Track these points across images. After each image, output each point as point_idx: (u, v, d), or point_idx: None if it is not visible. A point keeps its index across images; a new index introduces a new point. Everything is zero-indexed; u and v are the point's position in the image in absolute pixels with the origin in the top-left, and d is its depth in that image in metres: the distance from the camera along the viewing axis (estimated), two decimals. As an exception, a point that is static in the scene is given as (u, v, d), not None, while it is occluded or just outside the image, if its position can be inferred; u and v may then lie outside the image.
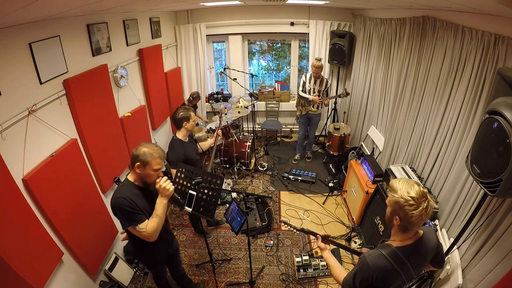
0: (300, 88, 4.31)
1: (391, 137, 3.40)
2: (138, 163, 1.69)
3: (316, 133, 5.58)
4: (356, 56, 4.59)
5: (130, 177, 1.79)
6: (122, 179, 2.92)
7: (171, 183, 1.76)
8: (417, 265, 1.34)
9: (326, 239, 1.70)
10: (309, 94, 4.24)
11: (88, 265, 2.42)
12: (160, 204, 1.75)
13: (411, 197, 1.20)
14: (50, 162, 2.03)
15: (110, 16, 2.84)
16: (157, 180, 1.73)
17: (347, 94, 4.33)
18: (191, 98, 4.40)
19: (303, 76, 4.29)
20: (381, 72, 3.72)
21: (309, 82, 4.22)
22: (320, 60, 4.03)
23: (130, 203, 1.64)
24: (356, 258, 1.93)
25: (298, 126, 4.93)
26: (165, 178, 1.75)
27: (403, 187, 1.24)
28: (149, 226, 1.70)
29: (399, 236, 1.33)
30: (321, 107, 4.40)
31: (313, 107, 4.31)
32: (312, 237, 2.35)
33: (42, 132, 2.02)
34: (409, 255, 1.30)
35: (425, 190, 1.24)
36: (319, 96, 4.20)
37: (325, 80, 4.19)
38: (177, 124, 2.62)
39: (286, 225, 1.81)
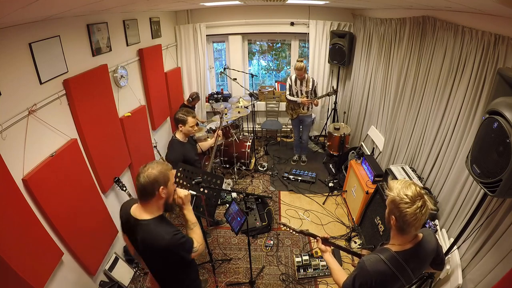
0: (287, 92, 4.27)
1: (391, 137, 3.40)
2: (162, 187, 1.47)
3: (316, 133, 5.59)
4: (356, 56, 4.59)
5: (153, 212, 1.51)
6: (122, 179, 2.93)
7: (182, 189, 1.67)
8: (417, 269, 1.34)
9: (326, 241, 1.70)
10: (297, 96, 4.21)
11: (88, 265, 2.42)
12: (188, 212, 1.67)
13: (406, 195, 1.20)
14: (50, 162, 2.03)
15: (110, 16, 2.84)
16: (174, 197, 1.62)
17: (335, 91, 4.30)
18: (190, 99, 4.37)
19: (288, 79, 4.24)
20: (381, 72, 3.71)
21: (295, 84, 4.18)
22: (301, 61, 3.98)
23: (180, 232, 1.51)
24: (356, 259, 1.92)
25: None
26: (176, 189, 1.65)
27: (400, 186, 1.24)
28: (197, 237, 1.60)
29: (398, 240, 1.32)
30: (311, 108, 4.38)
31: (303, 109, 4.29)
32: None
33: (42, 132, 2.02)
34: (408, 259, 1.29)
35: (423, 191, 1.23)
36: (307, 97, 4.18)
37: (311, 80, 4.14)
38: (175, 123, 2.67)
39: (285, 227, 1.81)
